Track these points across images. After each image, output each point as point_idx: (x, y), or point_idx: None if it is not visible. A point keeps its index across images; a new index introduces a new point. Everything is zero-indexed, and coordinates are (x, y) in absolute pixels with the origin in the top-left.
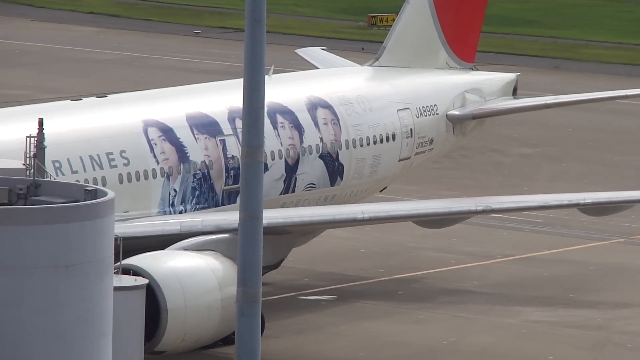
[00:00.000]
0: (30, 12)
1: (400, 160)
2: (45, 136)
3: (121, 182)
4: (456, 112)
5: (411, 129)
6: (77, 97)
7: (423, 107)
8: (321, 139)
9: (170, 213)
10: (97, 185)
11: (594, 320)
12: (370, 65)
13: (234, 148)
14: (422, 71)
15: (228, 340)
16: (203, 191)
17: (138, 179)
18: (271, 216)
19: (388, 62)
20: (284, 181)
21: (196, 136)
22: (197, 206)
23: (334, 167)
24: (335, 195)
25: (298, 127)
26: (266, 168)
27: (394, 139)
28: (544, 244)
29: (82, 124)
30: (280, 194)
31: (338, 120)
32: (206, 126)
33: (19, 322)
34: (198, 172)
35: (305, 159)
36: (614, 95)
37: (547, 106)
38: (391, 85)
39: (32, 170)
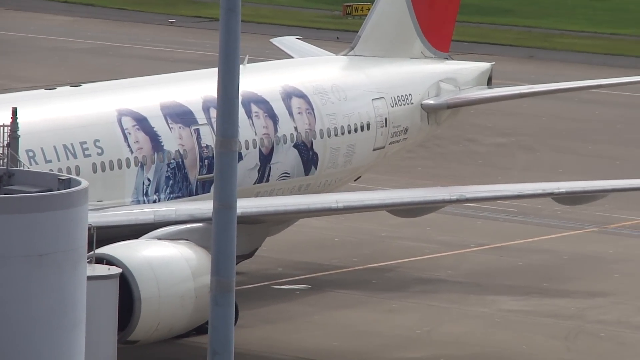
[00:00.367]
0: (3, 1)
1: (374, 149)
2: (18, 125)
3: (95, 171)
4: (431, 102)
5: (386, 119)
6: (51, 86)
7: (398, 96)
8: (295, 128)
9: (144, 202)
10: (70, 174)
11: (567, 310)
12: (345, 55)
13: (209, 137)
14: (397, 60)
15: (201, 329)
16: (177, 180)
17: (112, 168)
18: (245, 205)
19: (363, 52)
20: (258, 170)
21: (170, 125)
22: (171, 195)
23: (308, 156)
24: (309, 185)
25: (272, 116)
26: (240, 157)
27: (368, 128)
28: (518, 233)
29: (55, 113)
30: (255, 184)
31: (312, 109)
32: (180, 115)
33: None
34: (172, 161)
35: (280, 148)
36: (589, 85)
37: (521, 95)
38: (366, 74)
39: (5, 160)
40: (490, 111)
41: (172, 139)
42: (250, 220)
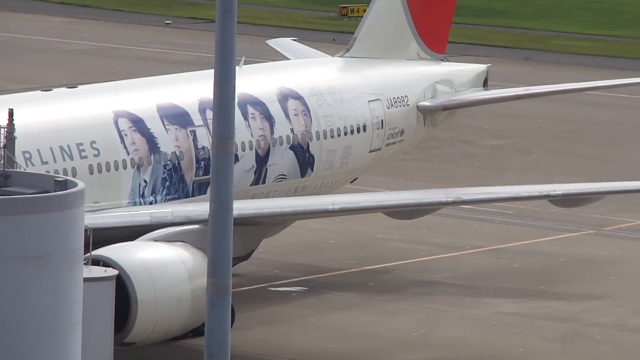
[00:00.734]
0: (0, 3)
1: (371, 151)
2: (15, 127)
3: (91, 172)
4: (427, 103)
5: (382, 120)
6: (47, 88)
7: (394, 98)
8: (292, 130)
9: (141, 204)
10: (67, 176)
11: (563, 312)
12: (341, 56)
13: (205, 139)
14: (393, 62)
15: (198, 331)
16: (173, 182)
17: (108, 169)
18: (241, 207)
19: (359, 53)
20: (255, 172)
21: (167, 127)
22: (168, 197)
23: (304, 158)
24: (305, 186)
25: (269, 118)
26: (237, 159)
27: (364, 130)
28: (514, 235)
29: (52, 115)
30: (251, 185)
31: (309, 111)
32: (177, 117)
33: None
34: (168, 162)
35: (276, 150)
36: (585, 87)
37: (517, 97)
38: (362, 76)
39: (1, 161)
40: (487, 113)
41: (169, 141)
42: (247, 222)
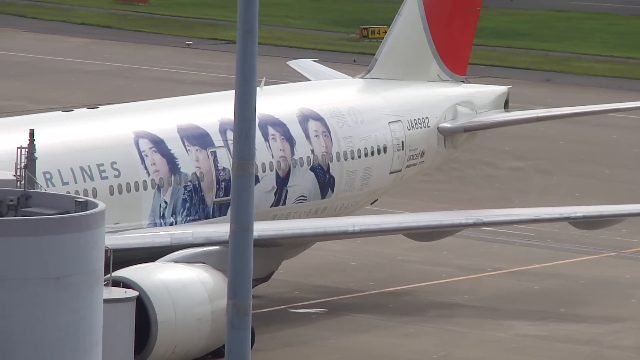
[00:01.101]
0: (21, 23)
1: (391, 172)
2: (36, 147)
3: (112, 193)
4: (448, 125)
5: (402, 142)
6: (68, 108)
7: (414, 119)
8: (312, 151)
9: (161, 225)
10: (87, 196)
11: (584, 335)
12: (361, 78)
13: (225, 160)
14: (414, 83)
15: (218, 353)
16: (194, 203)
17: (129, 190)
18: (262, 228)
19: (380, 75)
20: (275, 193)
21: (187, 148)
22: (188, 218)
23: (325, 179)
24: (326, 208)
25: (289, 139)
26: (257, 180)
27: (385, 151)
28: (534, 257)
29: (73, 135)
30: (271, 206)
31: (329, 132)
32: (197, 138)
33: (8, 334)
34: (189, 183)
35: (296, 171)
36: (606, 109)
37: (538, 119)
38: (383, 97)
39: (22, 182)
40: (507, 135)
41: (189, 162)
42: (267, 243)
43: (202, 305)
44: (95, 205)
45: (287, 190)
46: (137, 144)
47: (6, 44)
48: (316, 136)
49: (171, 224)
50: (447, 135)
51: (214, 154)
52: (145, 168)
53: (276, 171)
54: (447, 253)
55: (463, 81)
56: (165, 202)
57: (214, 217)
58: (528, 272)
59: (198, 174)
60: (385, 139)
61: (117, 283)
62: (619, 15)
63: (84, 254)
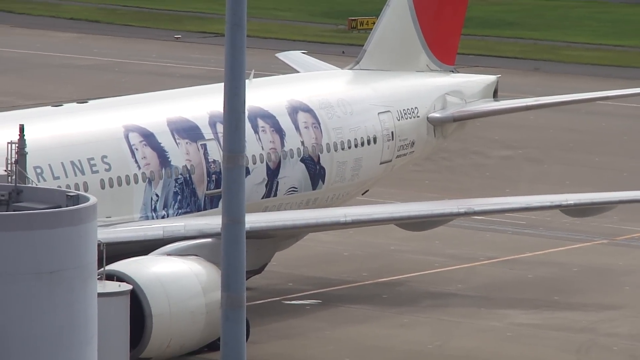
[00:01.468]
0: (10, 19)
1: (381, 163)
2: (26, 142)
3: (103, 187)
4: (437, 115)
5: (392, 132)
6: (57, 103)
7: (404, 109)
8: (302, 142)
9: (153, 218)
10: (79, 190)
11: (579, 323)
12: (350, 69)
13: (216, 152)
14: (403, 74)
15: (213, 345)
16: (185, 196)
17: (120, 184)
18: (254, 220)
19: (368, 66)
20: (266, 185)
21: (177, 141)
22: (180, 211)
23: (315, 170)
24: (317, 199)
25: (279, 130)
26: (248, 172)
27: (375, 142)
28: (527, 246)
29: (63, 130)
30: (262, 198)
31: (319, 123)
32: (187, 131)
33: (2, 330)
34: (180, 176)
35: (287, 162)
36: (595, 97)
37: (528, 108)
38: (372, 88)
39: (13, 177)
40: (497, 124)
41: (180, 155)
42: (259, 235)
43: (196, 298)
44: (86, 199)
45: (278, 182)
46: (127, 137)
47: None
48: (306, 128)
49: (163, 217)
50: (437, 125)
51: (204, 146)
52: (136, 161)
53: (267, 163)
54: (439, 242)
55: (452, 71)
56: (157, 195)
57: (205, 209)
58: (521, 260)
59: (189, 167)
60: (375, 129)
61: (110, 277)
62: (608, 3)
63: (77, 248)
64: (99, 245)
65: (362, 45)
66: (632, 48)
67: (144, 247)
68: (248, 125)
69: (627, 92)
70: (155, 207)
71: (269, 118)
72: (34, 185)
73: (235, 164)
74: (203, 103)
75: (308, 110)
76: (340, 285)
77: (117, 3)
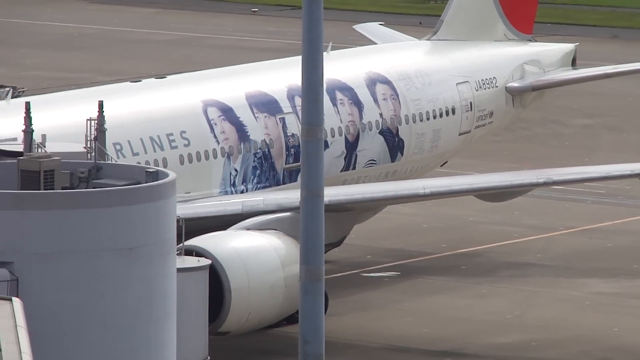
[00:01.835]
0: None
1: (460, 134)
2: (105, 119)
3: (182, 163)
4: (515, 84)
5: (471, 103)
6: (136, 79)
7: (482, 80)
8: (381, 114)
9: (232, 193)
10: (158, 166)
11: None
12: (428, 40)
13: (294, 126)
14: (480, 44)
15: (292, 319)
16: (264, 170)
17: (199, 159)
18: (332, 193)
19: (446, 36)
20: (345, 158)
21: (256, 115)
22: (259, 185)
23: (394, 142)
24: (396, 171)
25: (357, 103)
26: (326, 145)
27: (453, 113)
28: (606, 215)
29: (141, 106)
30: (341, 171)
31: (397, 95)
32: (265, 105)
33: (82, 305)
34: (258, 151)
35: (365, 135)
36: None
37: (606, 76)
38: (449, 58)
39: (93, 153)
40: (575, 92)
41: (258, 129)
42: (338, 208)
43: (275, 272)
44: (166, 175)
45: (356, 155)
46: (205, 112)
47: (73, 16)
48: (384, 99)
49: (242, 192)
50: (515, 94)
51: (283, 120)
52: (215, 136)
53: (345, 136)
54: (518, 213)
55: (530, 40)
56: (236, 170)
57: (284, 183)
58: (600, 229)
59: (267, 141)
60: (454, 100)
61: (189, 252)
62: None
63: (156, 224)
64: (178, 220)
65: (439, 16)
66: None
67: (223, 222)
68: (326, 98)
69: None
70: (234, 182)
71: (347, 90)
72: (113, 162)
73: (314, 136)
74: (281, 76)
75: (386, 82)
76: (418, 257)
77: None
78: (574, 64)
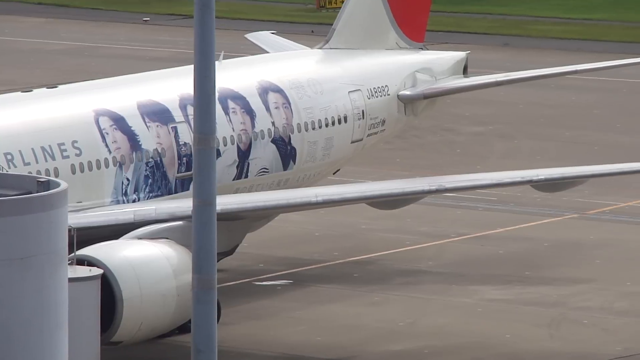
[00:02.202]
0: None
1: (352, 142)
2: None
3: (74, 172)
4: (407, 92)
5: (363, 111)
6: (27, 89)
7: (374, 88)
8: (273, 123)
9: (124, 202)
10: (49, 176)
11: (549, 297)
12: (320, 48)
13: (186, 135)
14: (372, 52)
15: (184, 328)
16: (156, 179)
17: (90, 168)
18: (225, 202)
19: (338, 45)
20: (237, 167)
21: (148, 124)
22: (151, 194)
23: (286, 151)
24: (288, 180)
25: (249, 112)
26: (218, 154)
27: (345, 121)
28: (498, 221)
29: (33, 115)
30: (233, 180)
31: (289, 103)
32: (157, 114)
33: None
34: (150, 160)
35: (258, 143)
36: (564, 71)
37: (498, 84)
38: (341, 67)
39: None
40: (467, 100)
41: (150, 138)
42: (230, 217)
43: (167, 280)
44: (57, 185)
45: (248, 163)
46: (97, 122)
47: None
48: (276, 108)
49: (134, 201)
50: (407, 102)
51: (175, 129)
52: (107, 146)
53: (237, 144)
54: (410, 220)
55: (421, 48)
56: (128, 179)
57: (176, 192)
58: (492, 236)
59: (159, 150)
60: (346, 108)
61: (81, 262)
62: None
63: (48, 233)
64: (69, 230)
65: (331, 24)
66: (600, 21)
67: (115, 231)
68: (218, 107)
69: (596, 65)
70: (126, 191)
71: (240, 99)
72: (4, 172)
73: (206, 145)
74: (173, 85)
75: (278, 90)
76: (311, 265)
77: None
78: (465, 72)
